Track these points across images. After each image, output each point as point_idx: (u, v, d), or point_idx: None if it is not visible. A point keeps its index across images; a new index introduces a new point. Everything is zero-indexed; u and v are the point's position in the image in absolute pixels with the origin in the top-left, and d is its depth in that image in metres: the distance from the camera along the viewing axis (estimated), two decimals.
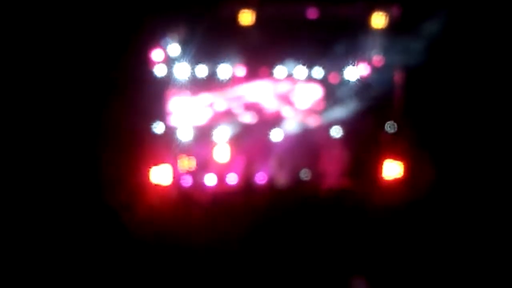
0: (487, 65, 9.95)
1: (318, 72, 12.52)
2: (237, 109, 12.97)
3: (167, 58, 11.32)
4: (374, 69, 11.86)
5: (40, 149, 8.90)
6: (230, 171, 12.76)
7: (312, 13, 10.70)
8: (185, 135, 12.41)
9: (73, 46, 9.30)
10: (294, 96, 13.07)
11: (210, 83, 12.54)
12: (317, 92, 13.08)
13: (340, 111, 12.60)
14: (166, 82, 11.85)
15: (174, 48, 11.14)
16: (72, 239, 6.70)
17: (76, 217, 7.65)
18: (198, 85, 12.57)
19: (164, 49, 11.10)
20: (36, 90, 8.97)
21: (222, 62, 12.02)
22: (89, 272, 5.21)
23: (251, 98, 13.07)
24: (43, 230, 6.92)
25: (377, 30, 10.92)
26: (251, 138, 12.77)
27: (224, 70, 12.30)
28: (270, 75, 12.70)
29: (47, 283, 4.90)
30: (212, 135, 12.66)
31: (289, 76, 12.71)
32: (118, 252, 6.52)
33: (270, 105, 13.10)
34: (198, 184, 11.96)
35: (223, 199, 10.36)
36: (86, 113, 9.47)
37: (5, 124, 8.63)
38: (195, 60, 11.67)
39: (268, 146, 12.88)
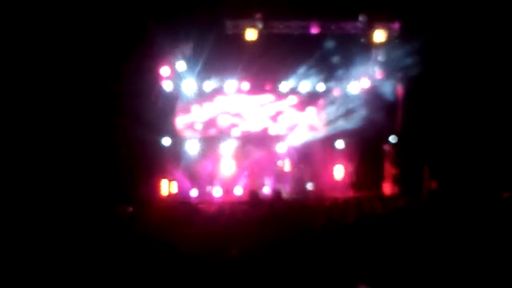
0: (486, 76, 10.16)
1: (321, 86, 12.79)
2: (242, 123, 13.36)
3: (175, 73, 11.67)
4: (375, 82, 12.14)
5: (51, 157, 9.31)
6: (235, 183, 13.11)
7: (315, 29, 11.01)
8: (192, 148, 12.83)
9: (83, 62, 9.74)
10: (297, 110, 13.34)
11: (216, 97, 12.88)
12: (320, 105, 13.34)
13: (343, 124, 12.81)
14: (174, 97, 12.19)
15: (181, 63, 11.45)
16: (81, 245, 6.90)
17: (84, 225, 7.83)
18: (204, 100, 12.94)
19: (172, 65, 11.44)
20: (50, 102, 9.44)
21: (228, 77, 12.32)
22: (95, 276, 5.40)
23: (255, 112, 13.35)
24: (52, 236, 7.12)
25: (378, 45, 11.19)
26: (256, 151, 13.01)
27: (230, 85, 12.63)
28: (274, 89, 13.00)
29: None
30: (218, 148, 12.97)
31: (293, 90, 13.00)
32: (126, 259, 6.69)
33: (274, 119, 13.37)
34: (204, 196, 12.18)
35: (228, 211, 10.47)
36: (96, 126, 9.83)
37: (26, 140, 9.16)
38: (202, 75, 11.98)
39: (273, 159, 13.12)
